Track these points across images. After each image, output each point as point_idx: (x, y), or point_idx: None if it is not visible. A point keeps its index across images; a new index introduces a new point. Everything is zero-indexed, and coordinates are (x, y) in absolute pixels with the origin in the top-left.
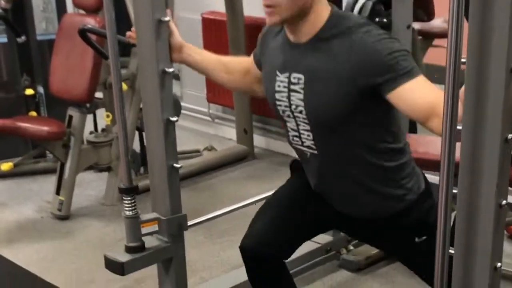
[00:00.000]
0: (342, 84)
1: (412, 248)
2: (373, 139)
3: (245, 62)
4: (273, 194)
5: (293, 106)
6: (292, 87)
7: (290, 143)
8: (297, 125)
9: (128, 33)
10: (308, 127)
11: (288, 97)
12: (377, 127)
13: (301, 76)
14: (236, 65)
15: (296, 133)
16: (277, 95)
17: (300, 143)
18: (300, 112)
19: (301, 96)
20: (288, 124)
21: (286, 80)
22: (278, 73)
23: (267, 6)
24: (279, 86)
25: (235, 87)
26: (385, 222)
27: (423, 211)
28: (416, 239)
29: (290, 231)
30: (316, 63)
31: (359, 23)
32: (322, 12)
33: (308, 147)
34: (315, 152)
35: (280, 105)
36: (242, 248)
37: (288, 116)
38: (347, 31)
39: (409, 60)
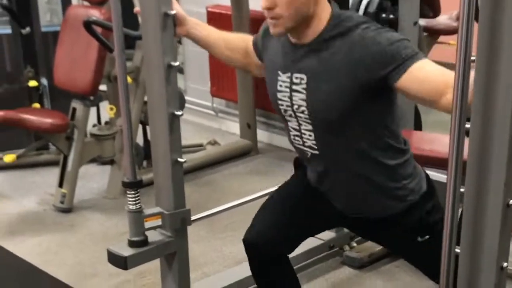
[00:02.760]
0: (344, 82)
1: (414, 247)
2: (374, 138)
3: (246, 42)
4: (277, 190)
5: (295, 106)
6: (294, 87)
7: (291, 143)
8: (299, 124)
9: (136, 9)
10: (310, 127)
11: (290, 97)
12: (378, 125)
13: (303, 76)
14: (238, 44)
15: (298, 133)
16: (279, 95)
17: (301, 143)
18: (302, 112)
19: (303, 96)
20: (290, 124)
21: (288, 80)
22: (280, 73)
23: (271, 18)
24: (280, 86)
25: (234, 65)
26: (387, 222)
27: (424, 212)
28: (419, 239)
29: (293, 227)
30: (318, 63)
31: (358, 22)
32: (323, 14)
33: (309, 147)
34: (316, 152)
35: (282, 105)
36: (245, 242)
37: (290, 115)
38: (348, 31)
39: (410, 47)
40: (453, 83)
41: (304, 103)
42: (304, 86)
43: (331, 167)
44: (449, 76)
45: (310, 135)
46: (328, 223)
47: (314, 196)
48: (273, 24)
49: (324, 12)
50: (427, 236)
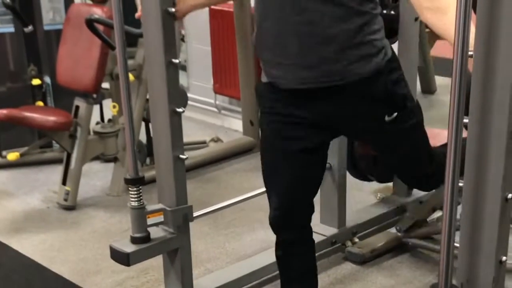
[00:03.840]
0: None
1: (384, 130)
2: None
3: None
4: (264, 157)
5: None
6: None
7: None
8: None
9: (137, 15)
10: None
11: None
12: None
13: None
14: None
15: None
16: None
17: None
18: None
19: None
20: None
21: None
22: None
23: None
24: None
25: None
26: (354, 92)
27: (390, 80)
28: (386, 117)
29: (299, 175)
30: None
31: None
32: None
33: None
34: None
35: None
36: (271, 221)
37: None
38: None
39: None
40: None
41: None
42: None
43: (299, 22)
44: None
45: None
46: (317, 137)
47: (291, 125)
48: None
49: None
50: (395, 114)
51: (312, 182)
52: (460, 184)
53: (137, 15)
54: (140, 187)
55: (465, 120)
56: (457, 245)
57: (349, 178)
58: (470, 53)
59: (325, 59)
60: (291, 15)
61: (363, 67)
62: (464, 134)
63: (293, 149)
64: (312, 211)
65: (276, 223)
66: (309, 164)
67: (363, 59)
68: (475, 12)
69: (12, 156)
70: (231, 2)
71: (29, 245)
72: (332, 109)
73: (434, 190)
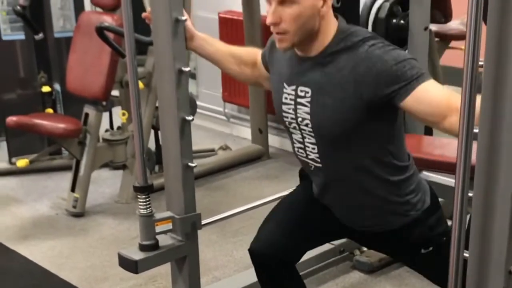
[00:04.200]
0: (348, 97)
1: (418, 259)
2: (377, 154)
3: (255, 55)
4: (283, 199)
5: (300, 119)
6: (299, 100)
7: (296, 155)
8: (303, 137)
9: (144, 14)
10: (313, 140)
11: (295, 110)
12: (381, 142)
13: (308, 89)
14: (246, 58)
15: (301, 145)
16: (284, 107)
17: (304, 155)
18: (306, 125)
19: (307, 109)
20: (294, 136)
21: (293, 93)
22: (285, 85)
23: (277, 33)
24: (286, 98)
25: (244, 80)
26: (389, 236)
27: (427, 227)
28: (422, 251)
29: (298, 237)
30: (323, 77)
31: (365, 37)
32: (329, 28)
33: (312, 160)
34: (319, 165)
35: (286, 117)
36: (251, 252)
37: (294, 128)
38: (354, 46)
39: (417, 67)
40: (457, 106)
41: (308, 116)
42: (309, 99)
43: (333, 181)
44: (453, 99)
45: (313, 148)
46: (333, 234)
47: (319, 207)
48: (279, 39)
49: (331, 26)
50: (430, 248)
51: (314, 242)
52: (470, 194)
53: (144, 14)
54: (149, 194)
55: (475, 130)
56: (467, 255)
57: None
58: (480, 63)
59: (363, 218)
60: (332, 180)
61: (399, 220)
62: (474, 145)
63: (314, 217)
64: (298, 260)
65: (258, 255)
66: (320, 234)
67: (400, 215)
68: (485, 22)
69: (22, 162)
70: (240, 10)
71: (37, 252)
72: (365, 239)
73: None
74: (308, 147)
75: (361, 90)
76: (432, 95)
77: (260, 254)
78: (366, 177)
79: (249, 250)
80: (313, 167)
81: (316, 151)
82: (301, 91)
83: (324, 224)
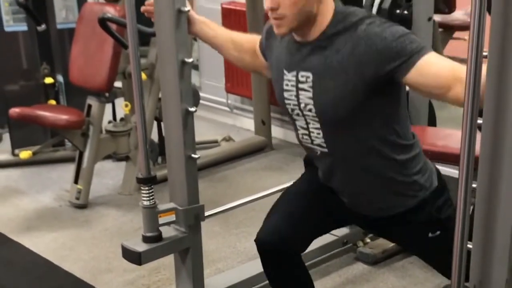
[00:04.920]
0: (350, 79)
1: (425, 243)
2: (383, 133)
3: (254, 43)
4: (288, 188)
5: (302, 105)
6: (301, 85)
7: (300, 142)
8: (307, 123)
9: (143, 8)
10: (317, 125)
11: (297, 96)
12: (386, 121)
13: (309, 74)
14: (245, 45)
15: (306, 132)
16: (286, 94)
17: (309, 141)
18: (310, 110)
19: (309, 94)
20: (297, 123)
21: (294, 79)
22: (285, 71)
23: (274, 18)
24: (287, 85)
25: (244, 67)
26: (397, 219)
27: (435, 208)
28: (430, 234)
29: (304, 225)
30: (323, 60)
31: (362, 17)
32: (326, 11)
33: (318, 145)
34: (325, 150)
35: (289, 104)
36: (258, 241)
37: (297, 114)
38: (352, 26)
39: (417, 41)
40: (461, 76)
41: (311, 101)
42: (310, 84)
43: (340, 164)
44: (457, 68)
45: (318, 133)
46: (340, 220)
47: (325, 194)
48: (277, 24)
49: (328, 9)
50: (438, 232)
51: (321, 230)
52: (474, 185)
53: (142, 8)
54: (152, 186)
55: (479, 121)
56: (470, 246)
57: None
58: (484, 53)
59: (370, 202)
60: (340, 163)
61: (407, 202)
62: (478, 135)
63: (320, 204)
64: (304, 249)
65: (265, 244)
66: (327, 221)
67: (408, 196)
68: (489, 13)
69: (25, 154)
70: (243, 1)
71: (41, 243)
72: (373, 224)
73: None
74: (313, 132)
75: (362, 70)
76: (435, 67)
77: (265, 243)
78: (373, 157)
79: (255, 240)
80: (319, 152)
81: (321, 135)
82: (302, 76)
83: (330, 212)
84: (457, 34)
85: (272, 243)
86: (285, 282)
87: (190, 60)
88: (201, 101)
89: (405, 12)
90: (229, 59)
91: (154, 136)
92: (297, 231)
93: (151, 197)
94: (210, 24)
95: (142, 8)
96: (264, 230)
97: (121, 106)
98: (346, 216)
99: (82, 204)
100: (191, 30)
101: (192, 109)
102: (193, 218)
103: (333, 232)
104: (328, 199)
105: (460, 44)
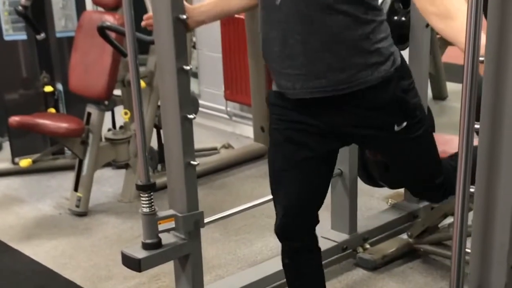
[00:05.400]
0: None
1: (392, 139)
2: None
3: None
4: (274, 170)
5: None
6: None
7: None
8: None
9: (143, 23)
10: None
11: None
12: None
13: None
14: None
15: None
16: None
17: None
18: None
19: None
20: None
21: None
22: None
23: None
24: None
25: (249, 7)
26: (363, 101)
27: (400, 89)
28: (396, 127)
29: (307, 187)
30: None
31: None
32: None
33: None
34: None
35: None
36: (277, 230)
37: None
38: None
39: None
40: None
41: None
42: None
43: (305, 31)
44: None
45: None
46: (326, 148)
47: (302, 144)
48: None
49: None
50: (404, 123)
51: (318, 191)
52: (472, 190)
53: (143, 23)
54: (152, 193)
55: (476, 126)
56: (469, 250)
57: (360, 184)
58: (481, 58)
59: (332, 69)
60: (296, 25)
61: (371, 76)
62: (475, 140)
63: (301, 156)
64: (317, 221)
65: (281, 232)
66: (316, 173)
67: (370, 68)
68: (485, 17)
69: (25, 162)
70: None
71: (41, 251)
72: (341, 118)
73: None
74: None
75: None
76: None
77: (286, 226)
78: (337, 16)
79: (275, 231)
80: (278, 1)
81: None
82: None
83: (315, 145)
84: None
85: (290, 223)
86: (301, 274)
87: (189, 67)
88: (200, 109)
89: (403, 18)
90: (239, 10)
91: (154, 144)
92: (305, 197)
93: (150, 204)
94: (204, 5)
95: (143, 23)
96: (278, 219)
97: (121, 114)
98: (326, 137)
99: (82, 212)
100: (192, 23)
101: (191, 116)
102: (192, 224)
103: (333, 238)
104: (305, 141)
105: (458, 50)
